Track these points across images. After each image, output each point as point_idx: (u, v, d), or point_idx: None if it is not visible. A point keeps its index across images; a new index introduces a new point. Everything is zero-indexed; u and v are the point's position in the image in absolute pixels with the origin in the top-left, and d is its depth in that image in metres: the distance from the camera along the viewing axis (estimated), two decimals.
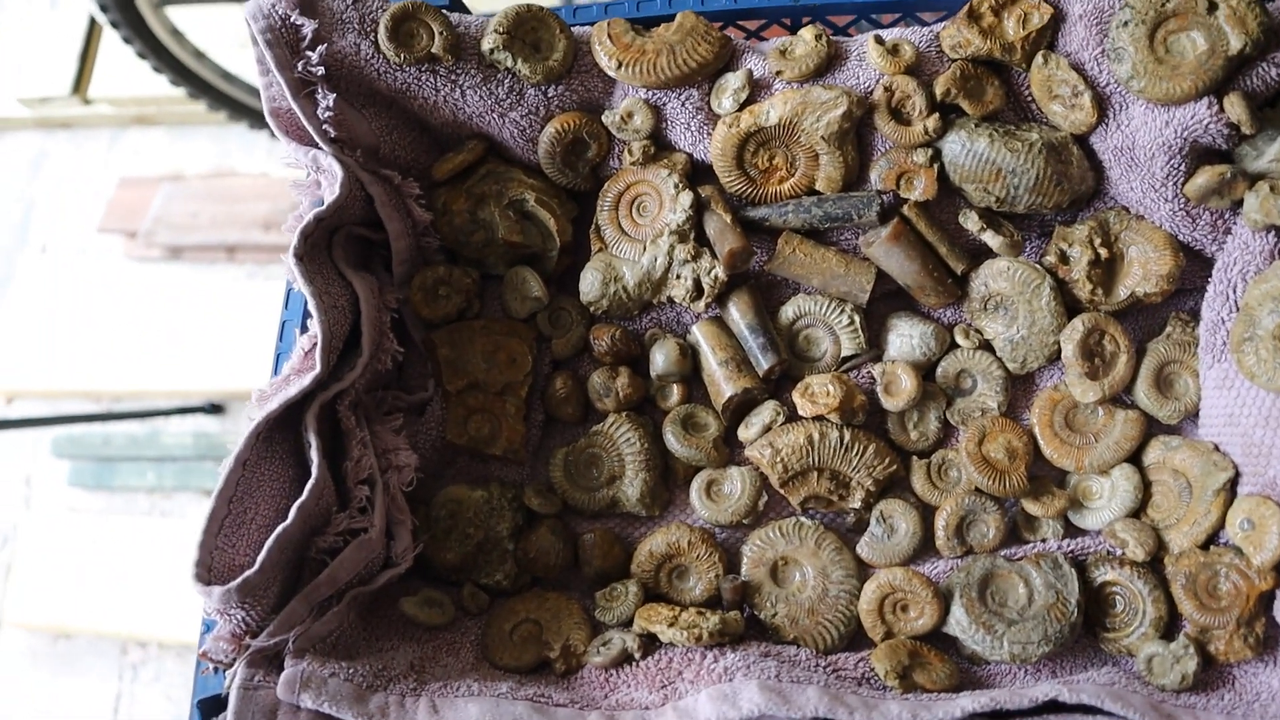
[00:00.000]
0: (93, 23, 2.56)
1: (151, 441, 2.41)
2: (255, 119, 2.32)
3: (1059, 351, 0.88)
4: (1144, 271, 0.86)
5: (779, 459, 0.86)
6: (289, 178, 2.49)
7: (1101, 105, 0.83)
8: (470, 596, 0.86)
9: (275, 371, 0.86)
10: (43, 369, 2.47)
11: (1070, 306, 0.88)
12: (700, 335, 0.91)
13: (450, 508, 0.88)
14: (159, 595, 2.25)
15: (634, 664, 0.81)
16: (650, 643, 0.82)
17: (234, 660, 0.75)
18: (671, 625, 0.80)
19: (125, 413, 2.34)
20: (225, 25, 2.34)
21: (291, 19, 0.85)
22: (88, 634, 2.28)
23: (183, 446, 2.38)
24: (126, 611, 2.25)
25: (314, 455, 0.79)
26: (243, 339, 2.38)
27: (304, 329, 0.87)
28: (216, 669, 0.76)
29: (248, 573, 0.73)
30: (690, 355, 0.91)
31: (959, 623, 0.82)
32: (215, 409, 2.40)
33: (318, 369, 0.81)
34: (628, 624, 0.85)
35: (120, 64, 2.48)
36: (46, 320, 2.50)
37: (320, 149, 0.87)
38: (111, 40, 2.49)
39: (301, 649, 0.76)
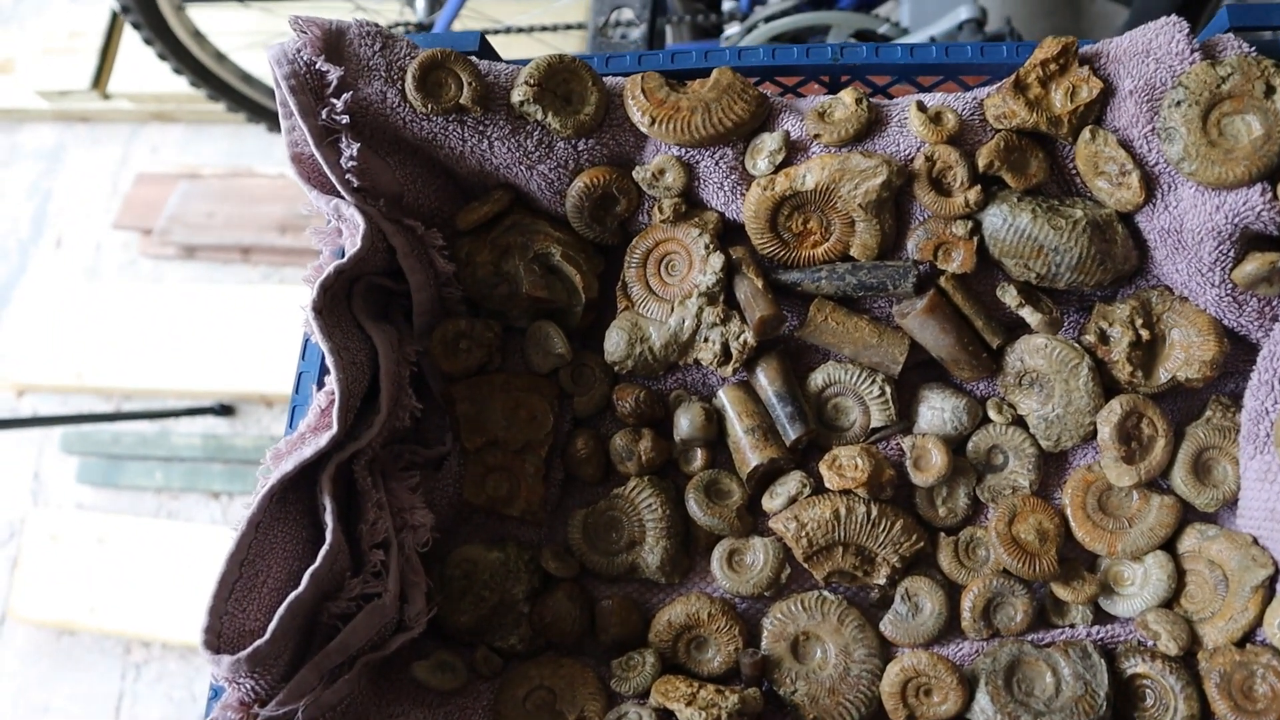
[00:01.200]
0: (114, 17, 2.54)
1: (160, 441, 2.39)
2: (274, 121, 2.30)
3: (1094, 431, 0.86)
4: (1186, 356, 0.83)
5: (804, 533, 0.84)
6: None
7: (1149, 184, 0.81)
8: (484, 660, 0.84)
9: (290, 426, 0.84)
10: (54, 363, 2.46)
11: (1108, 387, 0.86)
12: (726, 401, 0.89)
13: (465, 568, 0.86)
14: (164, 595, 2.24)
15: None
16: (666, 718, 0.80)
17: None
18: (689, 704, 0.78)
19: (135, 413, 2.32)
20: (246, 26, 2.32)
21: (317, 65, 0.83)
22: (92, 632, 2.27)
23: (191, 447, 2.37)
24: (131, 611, 2.24)
25: (329, 519, 0.77)
26: (254, 341, 2.36)
27: (320, 384, 0.85)
28: None
29: (258, 642, 0.71)
30: (715, 420, 0.88)
31: (984, 711, 0.80)
32: (225, 410, 2.39)
33: (334, 429, 0.79)
34: (644, 695, 0.83)
35: (141, 59, 2.46)
36: (59, 314, 2.49)
37: (342, 198, 0.85)
38: (133, 35, 2.47)
39: (311, 717, 0.74)
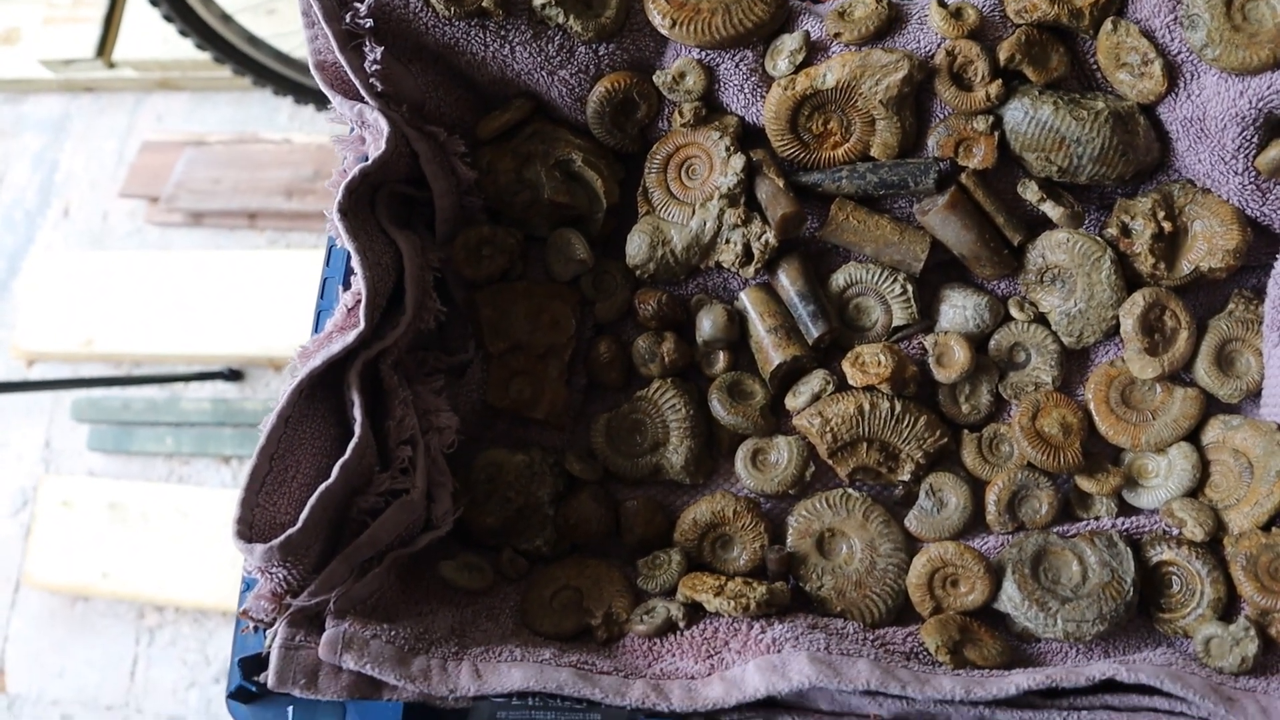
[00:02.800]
0: None
1: (170, 407, 2.39)
2: (280, 85, 2.29)
3: (1117, 326, 0.85)
4: (1209, 246, 0.83)
5: (828, 429, 0.84)
6: (312, 144, 2.47)
7: (1172, 74, 0.80)
8: (509, 562, 0.84)
9: (317, 328, 0.83)
10: (63, 332, 2.45)
11: (1130, 281, 0.86)
12: (748, 302, 0.88)
13: (490, 471, 0.85)
14: (177, 560, 2.23)
15: (678, 633, 0.79)
16: (694, 612, 0.80)
17: (274, 619, 0.73)
18: (718, 594, 0.78)
19: (144, 377, 2.32)
20: None
21: None
22: (105, 597, 2.27)
23: (201, 412, 2.37)
24: (144, 575, 2.24)
25: (357, 414, 0.77)
26: (263, 306, 2.35)
27: (347, 286, 0.84)
28: (257, 628, 0.74)
29: (290, 531, 0.71)
30: (738, 321, 0.88)
31: (1011, 599, 0.79)
32: (234, 375, 2.38)
33: (361, 326, 0.78)
34: (670, 592, 0.82)
35: (145, 27, 2.45)
36: (67, 283, 2.48)
37: (366, 103, 0.85)
38: (136, 3, 2.46)
39: (342, 610, 0.74)
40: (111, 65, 2.53)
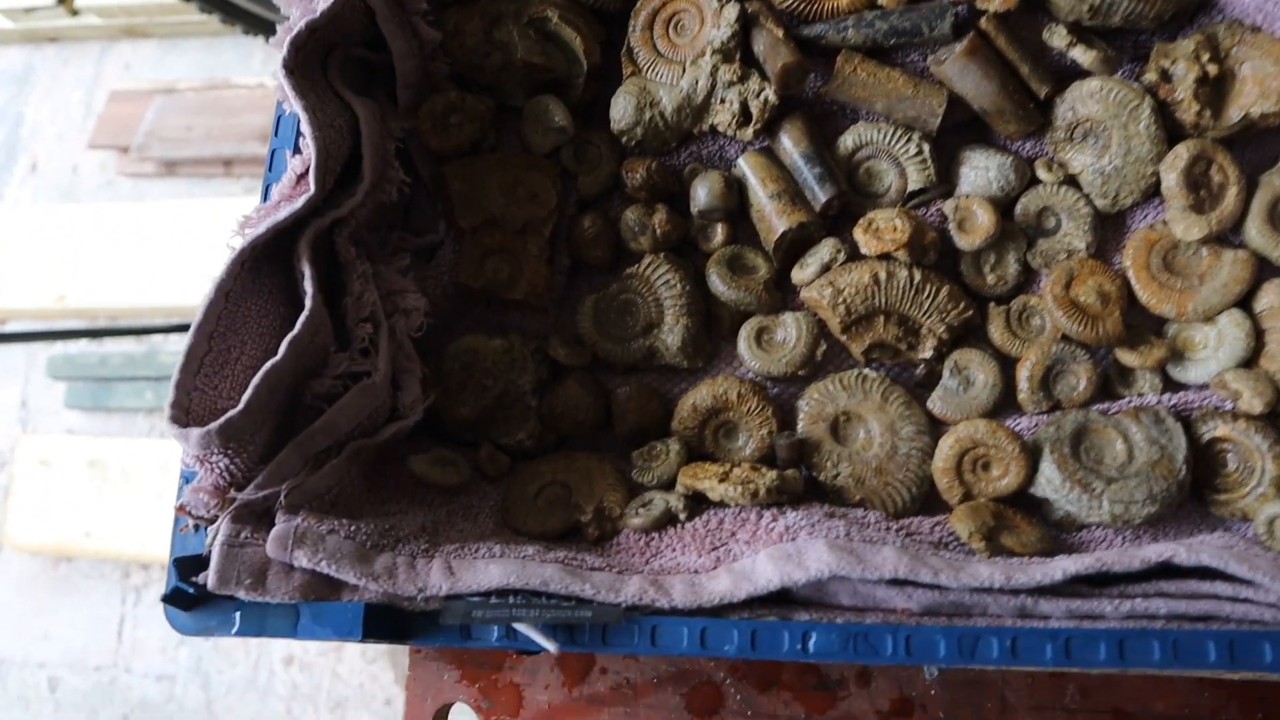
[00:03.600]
0: None
1: (149, 361, 2.28)
2: (249, 23, 2.16)
3: (1157, 185, 0.75)
4: (1261, 89, 0.72)
5: (841, 300, 0.73)
6: None
7: None
8: (489, 458, 0.74)
9: (264, 199, 0.73)
10: (35, 288, 2.34)
11: (1171, 133, 0.75)
12: (747, 167, 0.78)
13: (465, 359, 0.75)
14: (160, 517, 2.13)
15: (679, 526, 0.69)
16: (696, 504, 0.70)
17: (216, 515, 0.63)
18: (722, 481, 0.68)
19: (121, 329, 2.20)
20: None
21: None
22: (89, 556, 2.17)
23: None
24: (128, 533, 2.14)
25: (308, 286, 0.66)
26: None
27: (297, 152, 0.73)
28: (197, 526, 0.64)
29: (231, 412, 0.60)
30: (736, 189, 0.77)
31: (1050, 481, 0.70)
32: None
33: (312, 190, 0.68)
34: (669, 486, 0.72)
35: None
36: (38, 239, 2.36)
37: None
38: None
39: (295, 504, 0.64)
40: (74, 13, 2.39)
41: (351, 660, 2.02)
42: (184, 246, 2.27)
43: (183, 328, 2.22)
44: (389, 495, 0.70)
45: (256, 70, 2.39)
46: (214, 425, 0.60)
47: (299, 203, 0.67)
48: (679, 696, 0.84)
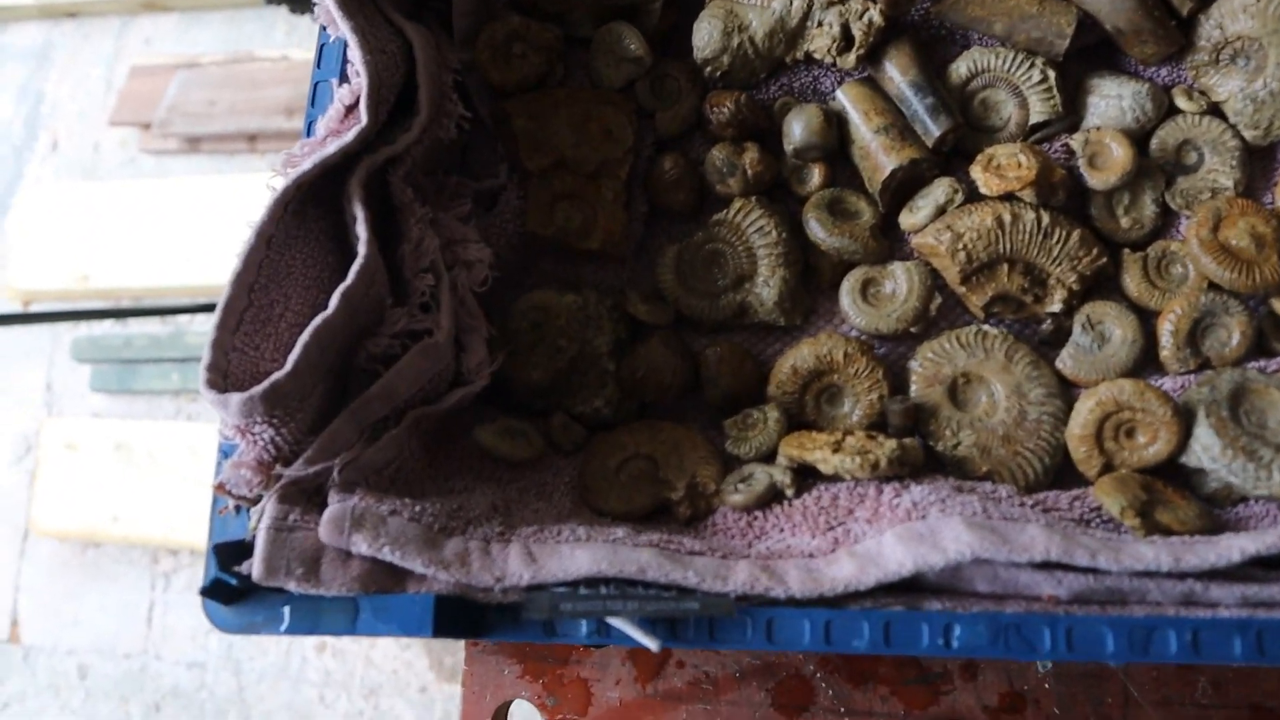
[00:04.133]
0: None
1: (174, 342, 2.20)
2: None
3: None
4: None
5: (961, 246, 0.64)
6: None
7: None
8: (562, 428, 0.65)
9: (308, 134, 0.63)
10: (58, 269, 2.26)
11: None
12: (848, 100, 0.68)
13: (535, 316, 0.66)
14: (189, 501, 2.06)
15: (786, 503, 0.59)
16: (802, 478, 0.61)
17: (260, 494, 0.54)
18: (835, 451, 0.58)
19: (145, 309, 2.13)
20: None
21: None
22: (117, 542, 2.10)
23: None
24: (155, 518, 2.07)
25: (361, 230, 0.57)
26: None
27: (344, 81, 0.64)
28: (239, 507, 0.55)
29: (276, 375, 0.51)
30: (835, 124, 0.68)
31: (1207, 449, 0.60)
32: None
33: (364, 121, 0.58)
34: (768, 458, 0.63)
35: None
36: (60, 219, 2.28)
37: None
38: None
39: (350, 481, 0.55)
40: None
41: (385, 646, 1.94)
42: (208, 225, 2.18)
43: (208, 307, 2.14)
44: (452, 471, 0.61)
45: (280, 42, 2.29)
46: (257, 390, 0.51)
47: (349, 136, 0.58)
48: (764, 692, 0.75)
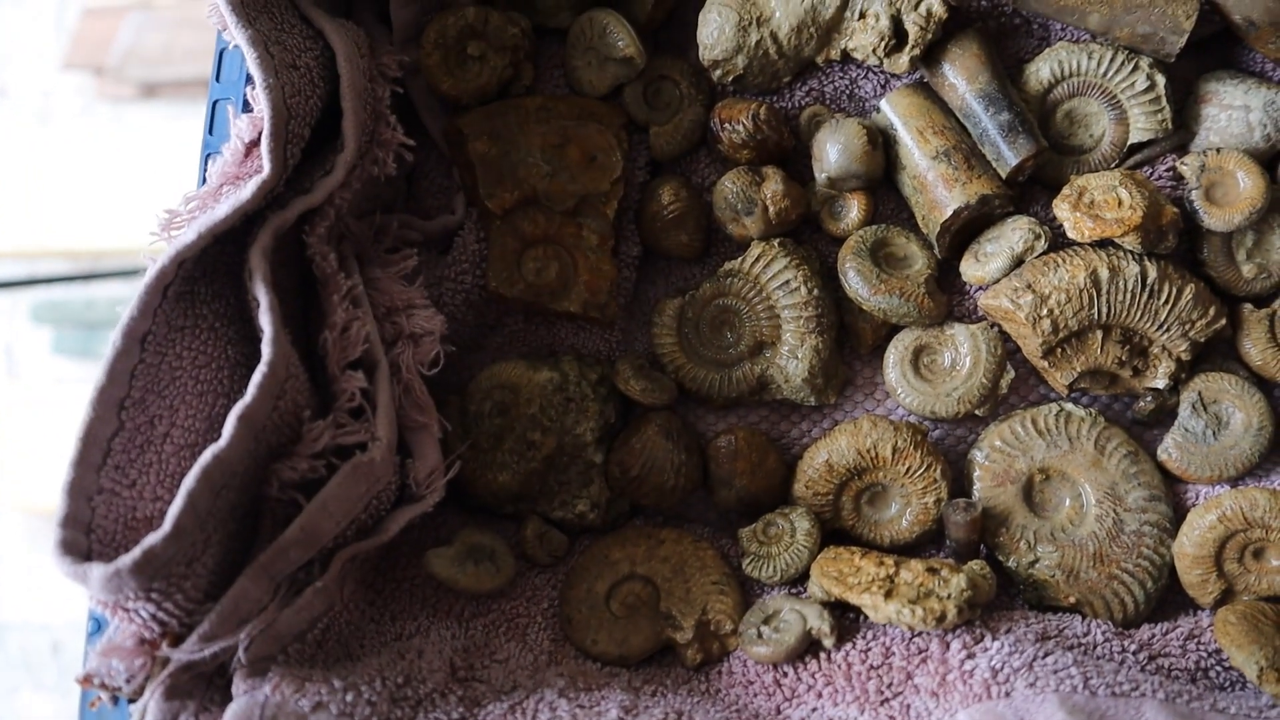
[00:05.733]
0: None
1: None
2: None
3: None
4: None
5: (1045, 312, 0.49)
6: None
7: None
8: (538, 538, 0.51)
9: (201, 181, 0.49)
10: (13, 227, 2.10)
11: None
12: (897, 114, 0.53)
13: (500, 397, 0.52)
14: None
15: (824, 656, 0.46)
16: (840, 615, 0.48)
17: (143, 684, 0.41)
18: (889, 596, 0.45)
19: (108, 271, 1.98)
20: None
21: None
22: None
23: None
24: None
25: (265, 322, 0.42)
26: None
27: (246, 109, 0.49)
28: (115, 698, 0.42)
29: (152, 538, 0.38)
30: (881, 145, 0.53)
31: None
32: None
33: (266, 171, 0.43)
34: (797, 581, 0.50)
35: None
36: (13, 172, 2.12)
37: None
38: None
39: (261, 658, 0.41)
40: None
41: None
42: (171, 175, 2.02)
43: None
44: (400, 610, 0.48)
45: None
46: (125, 561, 0.37)
47: (247, 191, 0.43)
48: None
